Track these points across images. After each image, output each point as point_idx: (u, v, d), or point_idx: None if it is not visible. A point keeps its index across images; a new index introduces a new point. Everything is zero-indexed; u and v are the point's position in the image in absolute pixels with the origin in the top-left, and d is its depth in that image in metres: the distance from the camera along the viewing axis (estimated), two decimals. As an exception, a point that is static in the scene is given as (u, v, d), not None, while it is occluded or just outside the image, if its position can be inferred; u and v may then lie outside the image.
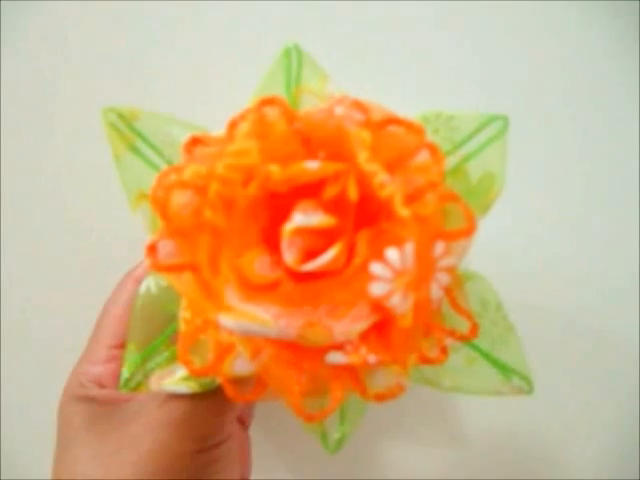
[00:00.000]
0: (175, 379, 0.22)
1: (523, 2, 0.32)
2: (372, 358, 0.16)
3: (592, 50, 0.33)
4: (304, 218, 0.15)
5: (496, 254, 0.30)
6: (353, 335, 0.16)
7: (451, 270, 0.18)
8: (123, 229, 0.30)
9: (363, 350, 0.16)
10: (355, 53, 0.32)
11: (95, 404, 0.24)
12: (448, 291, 0.20)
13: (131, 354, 0.22)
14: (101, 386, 0.25)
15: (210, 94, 0.31)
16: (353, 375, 0.17)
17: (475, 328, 0.20)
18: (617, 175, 0.33)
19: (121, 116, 0.22)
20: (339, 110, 0.17)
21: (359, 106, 0.18)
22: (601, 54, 0.32)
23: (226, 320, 0.15)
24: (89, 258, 0.32)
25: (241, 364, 0.18)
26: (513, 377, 0.21)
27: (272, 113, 0.16)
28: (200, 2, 0.32)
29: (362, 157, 0.16)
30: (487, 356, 0.22)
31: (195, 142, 0.19)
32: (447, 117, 0.22)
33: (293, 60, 0.23)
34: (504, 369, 0.21)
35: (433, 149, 0.17)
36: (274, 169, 0.15)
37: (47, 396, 0.31)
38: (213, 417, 0.23)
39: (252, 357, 0.17)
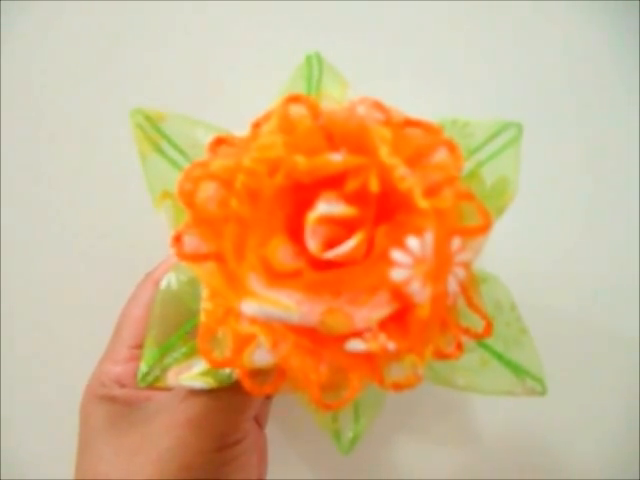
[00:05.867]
0: (192, 374, 0.22)
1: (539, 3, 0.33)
2: (391, 345, 0.16)
3: (598, 53, 0.33)
4: (327, 207, 0.16)
5: (507, 255, 0.30)
6: (373, 322, 0.16)
7: (467, 265, 0.18)
8: (143, 232, 0.30)
9: (382, 338, 0.16)
10: (368, 59, 0.32)
11: (116, 403, 0.24)
12: (464, 289, 0.20)
13: (149, 349, 0.22)
14: (122, 386, 0.25)
15: (228, 101, 0.32)
16: (372, 365, 0.17)
17: (489, 327, 0.21)
18: (628, 174, 0.33)
19: (147, 117, 0.23)
20: (361, 109, 0.18)
21: (379, 107, 0.18)
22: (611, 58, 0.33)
23: (249, 306, 0.16)
24: (108, 260, 0.32)
25: (260, 355, 0.19)
26: (526, 378, 0.22)
27: (297, 110, 0.17)
28: (220, 8, 0.33)
29: (383, 152, 0.16)
30: (500, 357, 0.22)
31: (219, 142, 0.20)
32: (462, 124, 0.23)
33: (314, 68, 0.24)
34: (517, 370, 0.22)
35: (451, 146, 0.18)
36: (300, 159, 0.16)
37: (47, 396, 0.32)
38: (231, 415, 0.23)
39: (272, 347, 0.18)
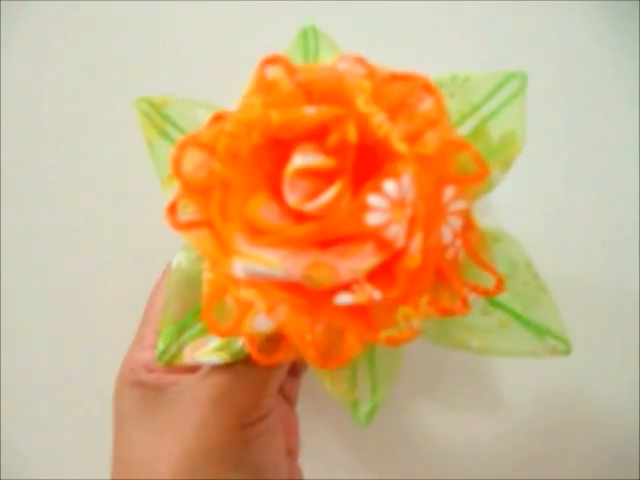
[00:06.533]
0: (207, 350, 0.22)
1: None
2: (377, 295, 0.15)
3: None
4: (304, 159, 0.16)
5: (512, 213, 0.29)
6: (359, 274, 0.16)
7: (463, 214, 0.18)
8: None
9: (369, 288, 0.16)
10: (364, 21, 0.32)
11: (145, 388, 0.25)
12: (469, 246, 0.19)
13: (166, 328, 0.23)
14: (150, 371, 0.26)
15: (228, 81, 0.32)
16: (366, 321, 0.17)
17: (500, 283, 0.20)
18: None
19: (152, 104, 0.23)
20: (342, 66, 0.18)
21: (361, 61, 0.18)
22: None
23: (236, 265, 0.16)
24: (136, 250, 0.33)
25: (260, 320, 0.19)
26: (547, 338, 0.20)
27: (274, 71, 0.17)
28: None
29: (360, 101, 0.16)
30: (520, 318, 0.21)
31: (218, 118, 0.20)
32: (463, 79, 0.22)
33: (310, 41, 0.24)
34: (538, 330, 0.21)
35: (432, 91, 0.17)
36: (273, 115, 0.16)
37: (47, 396, 0.33)
38: (252, 392, 0.23)
39: (268, 310, 0.18)
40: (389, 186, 0.15)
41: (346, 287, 0.16)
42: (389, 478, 0.31)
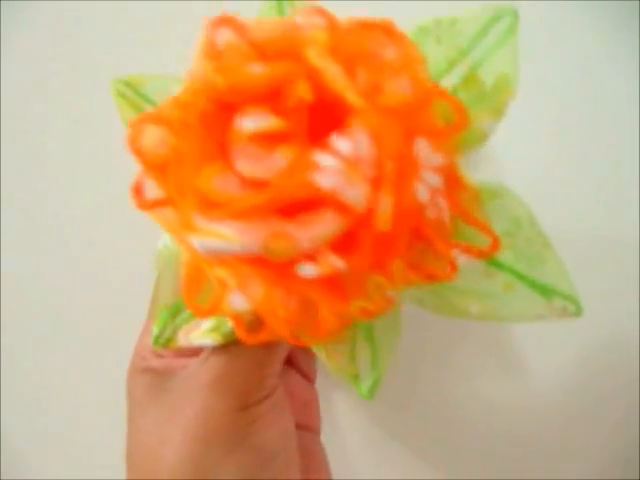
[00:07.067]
0: (201, 332, 0.22)
1: None
2: (340, 264, 0.14)
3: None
4: (252, 123, 0.15)
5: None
6: (321, 242, 0.15)
7: (442, 169, 0.16)
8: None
9: (332, 257, 0.14)
10: None
11: (155, 374, 0.25)
12: (456, 204, 0.18)
13: (160, 311, 0.22)
14: (159, 357, 0.25)
15: None
16: (339, 292, 0.16)
17: (496, 242, 0.18)
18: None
19: (128, 84, 0.23)
20: (299, 19, 0.16)
21: (322, 12, 0.17)
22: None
23: (192, 242, 0.15)
24: (144, 240, 0.33)
25: (237, 299, 0.18)
26: (554, 298, 0.19)
27: (224, 33, 0.16)
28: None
29: (311, 54, 0.15)
30: (524, 278, 0.19)
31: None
32: (448, 22, 0.20)
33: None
34: (545, 290, 0.19)
35: (393, 35, 0.15)
36: (217, 77, 0.15)
37: (48, 396, 0.32)
38: (252, 372, 0.22)
39: (240, 287, 0.17)
40: (342, 144, 0.14)
41: (310, 257, 0.15)
42: (409, 451, 0.30)
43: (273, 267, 0.16)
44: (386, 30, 0.16)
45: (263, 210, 0.15)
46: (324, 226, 0.14)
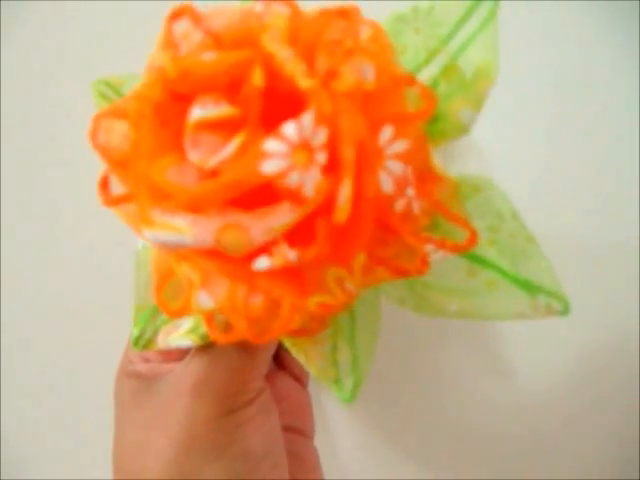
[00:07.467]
0: (180, 333, 0.21)
1: None
2: (292, 255, 0.14)
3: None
4: (203, 111, 0.14)
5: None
6: (275, 234, 0.14)
7: (409, 158, 0.15)
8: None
9: (285, 249, 0.14)
10: None
11: (141, 379, 0.24)
12: (429, 196, 0.17)
13: (140, 312, 0.22)
14: (146, 361, 0.25)
15: None
16: (300, 287, 0.15)
17: (474, 236, 0.17)
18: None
19: (109, 84, 0.23)
20: (258, 7, 0.16)
21: (283, 0, 0.16)
22: None
23: (146, 235, 0.15)
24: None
25: (203, 296, 0.17)
26: (538, 295, 0.17)
27: (181, 24, 0.16)
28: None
29: (265, 40, 0.14)
30: (506, 275, 0.18)
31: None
32: (426, 11, 0.19)
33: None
34: (528, 287, 0.18)
35: (347, 16, 0.15)
36: (168, 66, 0.14)
37: (48, 396, 0.32)
38: (235, 376, 0.22)
39: (203, 283, 0.16)
40: (288, 128, 0.13)
41: (266, 250, 0.14)
42: (402, 453, 0.29)
43: (233, 262, 0.15)
44: (350, 16, 0.15)
45: (216, 201, 0.14)
46: (279, 217, 0.14)
